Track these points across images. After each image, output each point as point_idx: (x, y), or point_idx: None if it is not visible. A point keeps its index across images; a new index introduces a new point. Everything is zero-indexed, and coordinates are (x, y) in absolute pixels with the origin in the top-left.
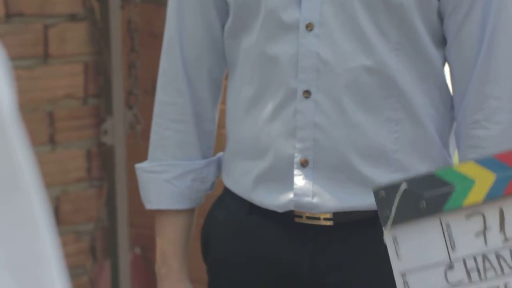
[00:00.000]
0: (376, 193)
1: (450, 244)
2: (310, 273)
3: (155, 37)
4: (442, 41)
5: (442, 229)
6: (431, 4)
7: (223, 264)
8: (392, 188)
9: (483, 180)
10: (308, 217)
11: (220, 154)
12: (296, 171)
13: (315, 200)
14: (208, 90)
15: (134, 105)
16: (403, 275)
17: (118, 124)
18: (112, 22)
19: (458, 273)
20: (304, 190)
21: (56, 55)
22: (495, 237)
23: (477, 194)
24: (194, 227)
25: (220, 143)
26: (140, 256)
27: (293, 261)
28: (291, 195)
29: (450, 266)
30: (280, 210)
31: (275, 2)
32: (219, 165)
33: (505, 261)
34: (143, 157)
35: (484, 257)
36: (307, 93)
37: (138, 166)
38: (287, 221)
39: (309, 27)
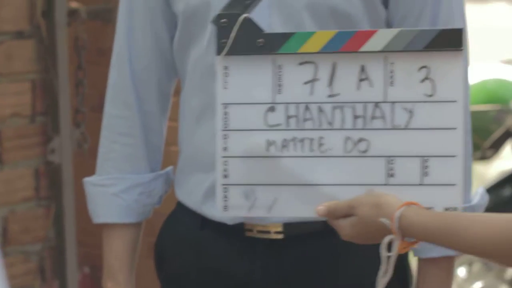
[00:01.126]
0: (217, 20)
1: (278, 86)
2: (262, 287)
3: (103, 54)
4: None
5: (273, 70)
6: (379, 14)
7: (177, 279)
8: (233, 17)
9: (324, 32)
10: (258, 231)
11: (169, 168)
12: None
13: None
14: (157, 103)
15: (82, 123)
16: (225, 106)
17: (66, 143)
18: (59, 39)
19: (278, 117)
20: None
21: (3, 73)
22: (321, 90)
23: (314, 44)
24: (141, 242)
25: (169, 160)
26: (89, 276)
27: (245, 275)
28: None
29: (272, 108)
30: (230, 223)
31: None
32: (167, 179)
33: (325, 115)
34: (90, 175)
35: (307, 107)
36: None
37: (86, 180)
38: (239, 235)
39: None
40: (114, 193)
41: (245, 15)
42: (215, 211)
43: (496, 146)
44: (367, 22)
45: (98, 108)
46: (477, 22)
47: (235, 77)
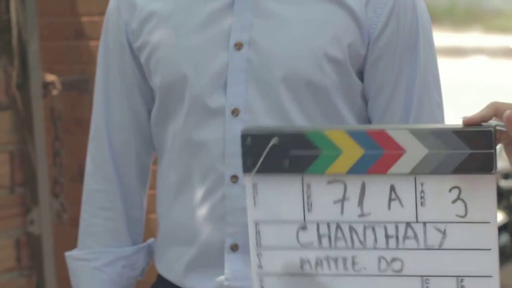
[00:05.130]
0: (244, 138)
1: (307, 205)
2: None
3: (79, 124)
4: (367, 122)
5: (303, 188)
6: (355, 87)
7: None
8: (261, 139)
9: (351, 152)
10: None
11: (150, 240)
12: (226, 256)
13: (246, 284)
14: (136, 176)
15: (60, 193)
16: (257, 224)
17: (45, 214)
18: (34, 111)
19: (310, 235)
20: (235, 274)
21: None
22: (352, 209)
23: (341, 165)
24: None
25: (149, 227)
26: None
27: None
28: (222, 280)
29: (303, 227)
30: None
31: (200, 88)
32: (149, 251)
33: (357, 235)
34: (71, 244)
35: (338, 226)
36: (234, 178)
37: (68, 254)
38: None
39: (235, 112)
40: (97, 267)
41: (275, 139)
42: (197, 284)
43: None
44: (342, 95)
45: (77, 177)
46: (456, 77)
47: (264, 194)
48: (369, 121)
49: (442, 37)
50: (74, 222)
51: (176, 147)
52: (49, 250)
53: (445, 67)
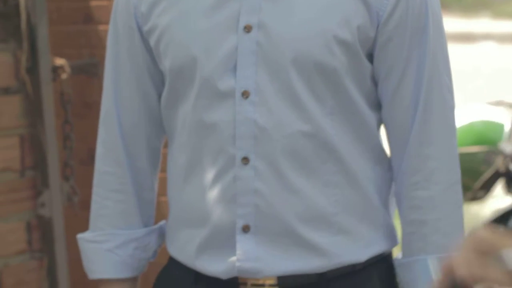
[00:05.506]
0: None
1: None
2: None
3: (89, 107)
4: (377, 104)
5: None
6: (365, 69)
7: None
8: None
9: None
10: (252, 285)
11: (162, 222)
12: (238, 237)
13: (258, 264)
14: (147, 159)
15: (71, 176)
16: None
17: (55, 197)
18: (44, 95)
19: None
20: (247, 255)
21: None
22: None
23: None
24: None
25: (160, 210)
26: None
27: None
28: (234, 261)
29: None
30: (224, 277)
31: (210, 70)
32: (161, 233)
33: None
34: (82, 227)
35: None
36: (245, 160)
37: (80, 236)
38: None
39: (245, 94)
40: (109, 249)
41: None
42: (208, 266)
43: (487, 186)
44: (352, 77)
45: (87, 160)
46: (465, 63)
47: None
48: (379, 102)
49: (451, 23)
50: (85, 205)
51: (186, 129)
52: (60, 232)
53: (454, 52)
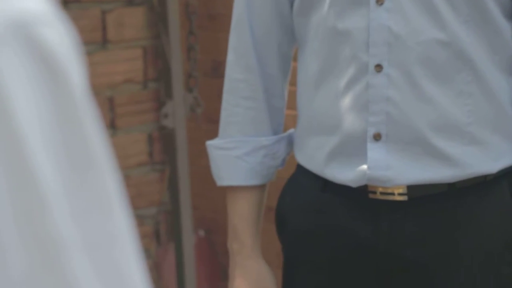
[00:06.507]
0: None
1: None
2: (386, 248)
3: (213, 19)
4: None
5: None
6: None
7: (299, 241)
8: None
9: None
10: (382, 193)
11: (291, 130)
12: (369, 145)
13: (389, 173)
14: (278, 66)
15: (194, 87)
16: None
17: (179, 107)
18: (170, 5)
19: None
20: (378, 163)
21: (114, 40)
22: None
23: None
24: (265, 204)
25: (286, 123)
26: (204, 239)
27: (369, 237)
28: (364, 169)
29: None
30: (354, 185)
31: None
32: (290, 142)
33: None
34: (204, 139)
35: None
36: (378, 67)
37: (209, 143)
38: (361, 197)
39: (380, 1)
40: (238, 156)
41: None
42: (338, 174)
43: None
44: None
45: (210, 73)
46: None
47: None
48: None
49: None
50: (207, 118)
51: (319, 36)
52: (183, 143)
53: None
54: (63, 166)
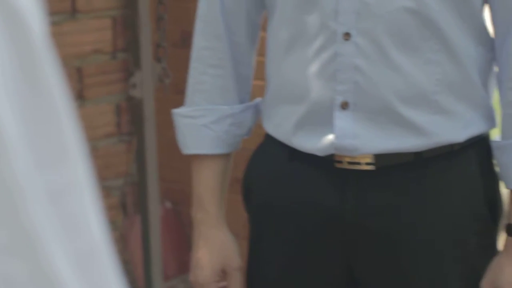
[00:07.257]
0: None
1: None
2: (353, 217)
3: None
4: None
5: None
6: None
7: (265, 210)
8: None
9: None
10: (349, 162)
11: (258, 99)
12: (336, 114)
13: (356, 141)
14: (246, 34)
15: (163, 58)
16: None
17: (147, 78)
18: None
19: None
20: (345, 132)
21: (83, 10)
22: None
23: None
24: (230, 173)
25: (253, 93)
26: (171, 210)
27: (336, 206)
28: (331, 138)
29: None
30: (321, 154)
31: None
32: (256, 111)
33: None
34: (172, 110)
35: None
36: (347, 36)
37: (175, 111)
38: (328, 166)
39: None
40: (204, 124)
41: None
42: (305, 142)
43: None
44: None
45: (180, 43)
46: None
47: None
48: None
49: None
50: (176, 89)
51: (288, 4)
52: (150, 114)
53: None
54: (23, 115)
